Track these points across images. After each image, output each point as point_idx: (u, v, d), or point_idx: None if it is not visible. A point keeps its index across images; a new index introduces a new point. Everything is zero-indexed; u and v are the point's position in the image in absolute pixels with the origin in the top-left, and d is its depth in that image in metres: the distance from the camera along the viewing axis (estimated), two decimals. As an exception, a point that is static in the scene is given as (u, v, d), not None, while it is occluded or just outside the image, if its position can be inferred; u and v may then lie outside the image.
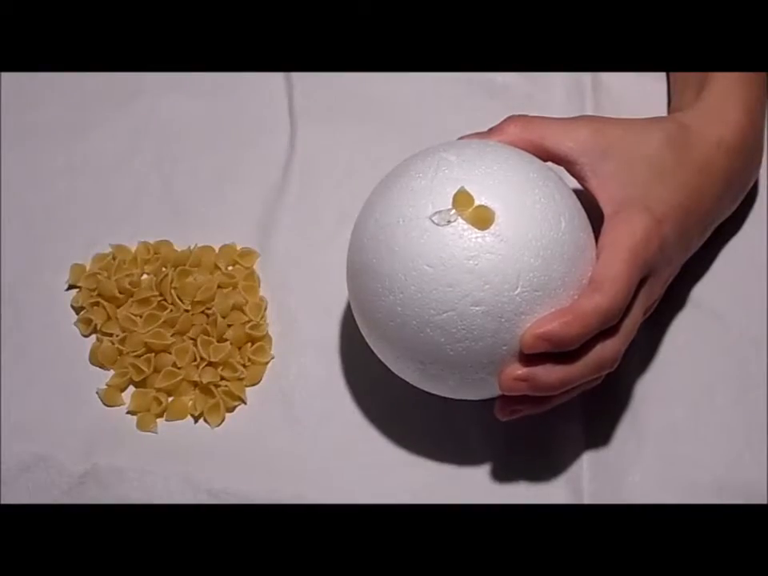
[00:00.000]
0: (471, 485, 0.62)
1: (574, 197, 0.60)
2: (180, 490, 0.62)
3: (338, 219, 0.69)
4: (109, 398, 0.65)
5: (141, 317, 0.66)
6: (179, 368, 0.65)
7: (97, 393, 0.65)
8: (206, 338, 0.65)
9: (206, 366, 0.65)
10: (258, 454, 0.63)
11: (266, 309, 0.67)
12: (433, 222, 0.57)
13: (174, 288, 0.66)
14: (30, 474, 0.62)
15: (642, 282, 0.58)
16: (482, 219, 0.56)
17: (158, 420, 0.64)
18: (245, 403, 0.65)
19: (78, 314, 0.67)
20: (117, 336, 0.66)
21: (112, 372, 0.65)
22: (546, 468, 0.62)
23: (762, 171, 0.68)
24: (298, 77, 0.74)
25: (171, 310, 0.66)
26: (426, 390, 0.60)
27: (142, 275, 0.68)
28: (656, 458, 0.63)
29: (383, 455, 0.63)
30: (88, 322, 0.66)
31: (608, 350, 0.57)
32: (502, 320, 0.56)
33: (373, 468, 0.63)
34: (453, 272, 0.56)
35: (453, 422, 0.63)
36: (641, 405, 0.64)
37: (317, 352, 0.66)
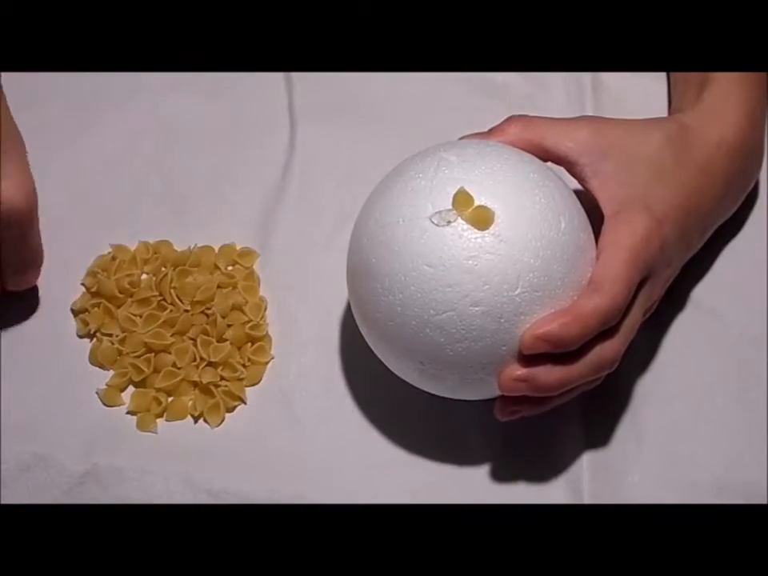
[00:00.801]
0: (471, 485, 0.62)
1: (574, 197, 0.60)
2: (180, 490, 0.62)
3: (338, 219, 0.69)
4: (109, 398, 0.64)
5: (141, 317, 0.66)
6: (179, 368, 0.65)
7: (97, 393, 0.65)
8: (206, 338, 0.65)
9: (206, 366, 0.65)
10: (258, 454, 0.63)
11: (265, 309, 0.67)
12: (433, 222, 0.57)
13: (174, 288, 0.66)
14: (29, 474, 0.62)
15: (642, 283, 0.58)
16: (482, 219, 0.56)
17: (158, 420, 0.64)
18: (245, 403, 0.65)
19: (77, 314, 0.67)
20: (116, 336, 0.65)
21: (112, 372, 0.65)
22: (546, 468, 0.62)
23: (763, 172, 0.68)
24: (298, 77, 0.74)
25: (171, 310, 0.66)
26: (425, 389, 0.60)
27: (141, 275, 0.68)
28: (656, 457, 0.63)
29: (383, 455, 0.63)
30: (87, 322, 0.66)
31: (608, 350, 0.57)
32: (502, 320, 0.56)
33: (373, 468, 0.63)
34: (452, 272, 0.56)
35: (453, 422, 0.63)
36: (641, 405, 0.64)
37: (317, 352, 0.66)
